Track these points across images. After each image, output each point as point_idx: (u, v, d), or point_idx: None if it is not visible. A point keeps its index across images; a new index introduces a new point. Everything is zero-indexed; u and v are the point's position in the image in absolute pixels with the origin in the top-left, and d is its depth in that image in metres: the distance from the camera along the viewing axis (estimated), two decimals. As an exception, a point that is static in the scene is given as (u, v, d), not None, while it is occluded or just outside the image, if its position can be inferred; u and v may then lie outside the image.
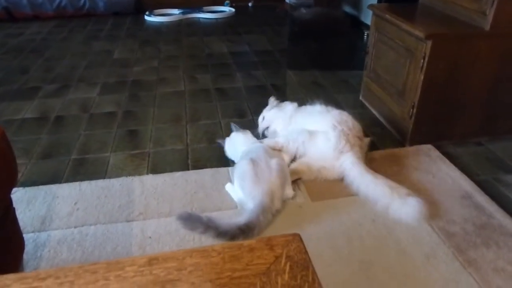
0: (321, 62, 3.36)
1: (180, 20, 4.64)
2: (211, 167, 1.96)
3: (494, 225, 1.59)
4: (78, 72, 3.15)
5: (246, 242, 0.59)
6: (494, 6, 1.83)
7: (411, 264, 1.42)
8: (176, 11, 4.85)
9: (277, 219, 1.62)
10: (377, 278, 1.36)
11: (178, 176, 1.90)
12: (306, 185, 1.82)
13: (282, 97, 2.69)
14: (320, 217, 1.64)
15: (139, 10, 4.84)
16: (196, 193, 1.78)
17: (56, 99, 2.70)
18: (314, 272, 0.55)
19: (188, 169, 1.97)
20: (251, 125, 2.34)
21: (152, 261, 0.56)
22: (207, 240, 1.53)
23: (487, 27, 1.88)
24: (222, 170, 1.93)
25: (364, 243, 1.51)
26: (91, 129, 2.34)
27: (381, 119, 2.42)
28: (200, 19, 4.72)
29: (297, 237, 0.60)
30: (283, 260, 0.56)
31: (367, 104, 2.60)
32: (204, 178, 1.88)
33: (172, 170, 1.95)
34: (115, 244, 1.52)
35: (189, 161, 2.03)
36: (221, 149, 2.13)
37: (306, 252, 0.58)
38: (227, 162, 1.99)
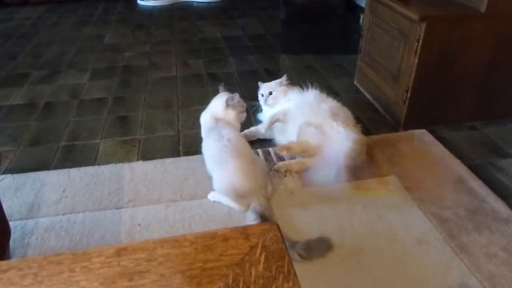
0: (315, 46, 3.31)
1: (173, 4, 4.55)
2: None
3: (487, 210, 1.58)
4: (68, 58, 3.09)
5: (221, 231, 0.57)
6: (490, -13, 1.79)
7: (402, 250, 1.40)
8: (169, -6, 4.74)
9: (268, 205, 1.60)
10: (367, 264, 1.35)
11: (169, 162, 1.88)
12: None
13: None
14: (311, 203, 1.62)
15: (131, -6, 4.73)
16: (186, 180, 1.76)
17: (45, 85, 2.65)
18: (290, 263, 0.53)
19: (179, 156, 1.94)
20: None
21: (120, 251, 0.53)
22: (197, 226, 1.52)
23: (483, 8, 1.83)
24: (213, 156, 1.90)
25: (355, 229, 1.50)
26: (81, 116, 2.30)
27: (375, 104, 2.39)
28: (193, 3, 4.63)
29: (274, 226, 0.57)
30: (259, 250, 0.54)
31: (361, 89, 2.56)
32: (195, 164, 1.85)
33: (162, 156, 1.93)
34: (104, 232, 1.50)
35: (180, 148, 2.01)
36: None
37: (283, 241, 0.55)
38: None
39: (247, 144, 1.65)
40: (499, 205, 1.60)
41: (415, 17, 1.86)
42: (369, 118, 2.24)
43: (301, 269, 1.29)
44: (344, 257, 1.37)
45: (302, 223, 1.52)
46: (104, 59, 3.07)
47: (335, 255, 1.38)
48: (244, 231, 0.56)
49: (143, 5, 4.52)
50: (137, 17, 4.14)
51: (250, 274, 0.51)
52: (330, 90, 2.05)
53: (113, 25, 3.86)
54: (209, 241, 0.56)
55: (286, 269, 0.51)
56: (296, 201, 1.63)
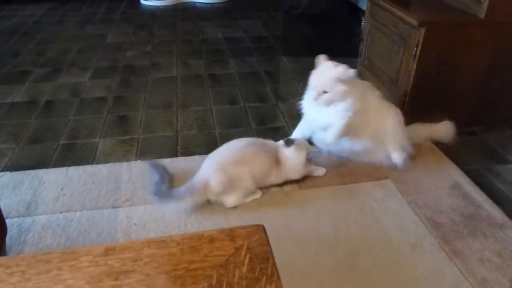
0: (316, 48, 3.30)
1: (176, 4, 4.57)
2: (200, 154, 1.94)
3: (482, 216, 1.58)
4: (70, 56, 3.11)
5: (207, 233, 0.58)
6: (490, -7, 1.79)
7: (396, 254, 1.41)
8: (172, -5, 4.76)
9: (263, 207, 1.61)
10: (362, 267, 1.36)
11: (167, 162, 1.88)
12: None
13: (275, 85, 2.67)
14: (307, 206, 1.62)
15: (135, -6, 4.75)
16: (183, 180, 1.76)
17: (46, 83, 2.67)
18: (274, 265, 0.54)
19: (177, 156, 1.95)
20: (242, 114, 2.32)
21: (108, 251, 0.54)
22: (193, 227, 1.53)
23: (482, 15, 1.84)
24: (211, 157, 1.91)
25: (350, 232, 1.50)
26: (81, 114, 2.32)
27: (374, 108, 2.39)
28: (196, 4, 4.64)
29: (260, 228, 0.58)
30: (243, 252, 0.55)
31: (361, 92, 2.56)
32: (192, 165, 1.85)
33: (160, 156, 1.94)
34: (100, 231, 1.51)
35: (178, 148, 2.02)
36: (211, 136, 2.11)
37: (268, 244, 0.56)
38: (217, 149, 1.97)
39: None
40: (494, 211, 1.60)
41: (414, 22, 1.87)
42: (367, 122, 2.24)
43: (294, 271, 1.31)
44: (339, 260, 1.38)
45: (298, 226, 1.53)
46: (106, 58, 3.08)
47: (330, 258, 1.38)
48: (230, 233, 0.57)
49: (147, 5, 4.54)
50: (140, 17, 4.15)
51: (234, 275, 0.52)
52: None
53: (116, 25, 3.88)
54: (195, 242, 0.57)
55: (269, 271, 0.52)
56: (292, 203, 1.64)
